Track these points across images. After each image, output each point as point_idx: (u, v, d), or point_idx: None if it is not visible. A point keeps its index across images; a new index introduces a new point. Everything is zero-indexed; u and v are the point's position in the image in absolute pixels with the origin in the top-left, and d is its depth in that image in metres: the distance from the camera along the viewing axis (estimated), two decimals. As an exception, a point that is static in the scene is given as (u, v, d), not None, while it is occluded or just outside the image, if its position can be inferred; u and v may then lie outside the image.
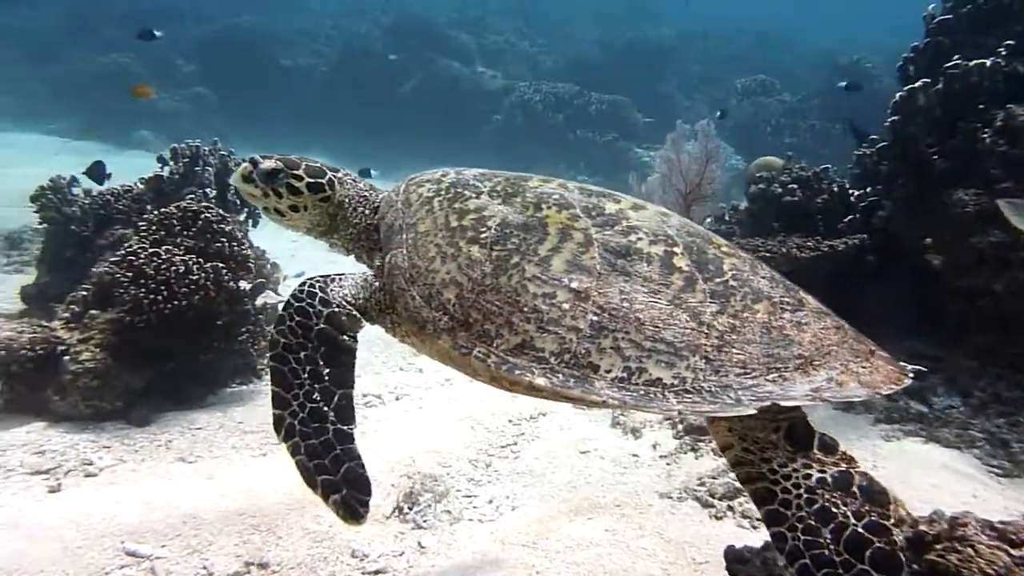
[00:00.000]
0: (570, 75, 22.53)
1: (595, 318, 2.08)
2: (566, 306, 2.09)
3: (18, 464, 3.94)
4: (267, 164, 2.52)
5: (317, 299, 2.30)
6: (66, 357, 4.47)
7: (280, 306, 2.37)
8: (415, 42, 23.93)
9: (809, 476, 2.10)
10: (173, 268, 4.48)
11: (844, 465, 2.12)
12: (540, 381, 2.04)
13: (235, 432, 4.57)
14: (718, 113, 12.67)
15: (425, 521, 3.72)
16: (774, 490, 2.11)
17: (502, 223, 2.23)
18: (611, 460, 4.43)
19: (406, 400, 5.40)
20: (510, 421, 5.02)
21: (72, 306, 4.67)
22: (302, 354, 2.24)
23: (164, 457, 4.21)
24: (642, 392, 2.04)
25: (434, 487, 3.95)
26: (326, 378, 2.21)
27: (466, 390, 5.55)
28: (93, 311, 4.56)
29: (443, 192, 2.39)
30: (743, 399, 2.04)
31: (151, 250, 4.58)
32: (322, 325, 2.26)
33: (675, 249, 2.24)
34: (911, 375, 2.25)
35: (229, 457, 4.27)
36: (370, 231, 2.59)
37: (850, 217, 5.73)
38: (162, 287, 4.44)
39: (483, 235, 2.22)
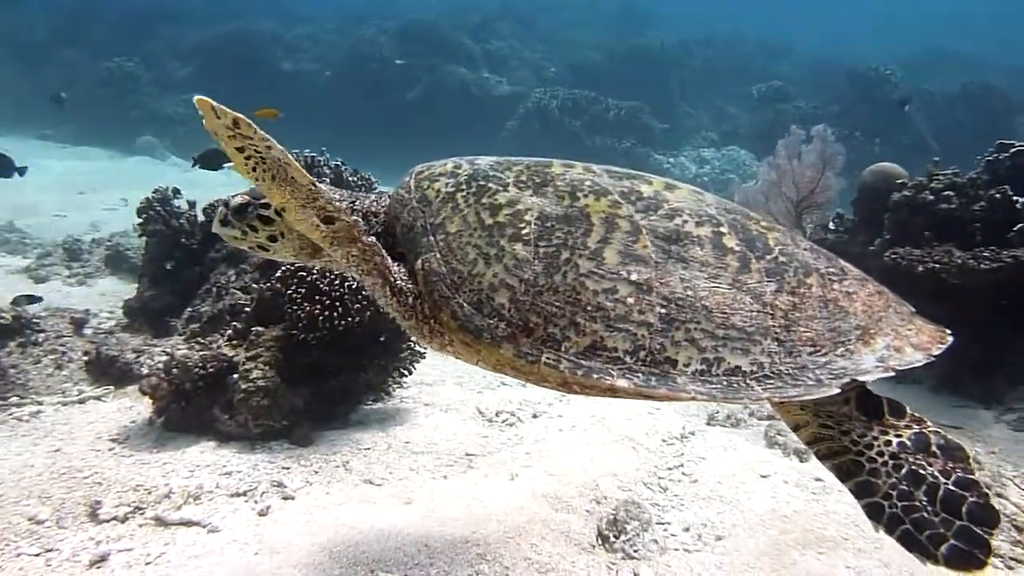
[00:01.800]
0: (575, 82, 22.63)
1: (663, 310, 2.02)
2: (630, 300, 2.02)
3: (214, 486, 3.80)
4: (236, 200, 2.40)
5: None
6: (234, 375, 4.31)
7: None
8: (421, 47, 23.83)
9: (890, 443, 2.11)
10: (346, 284, 4.35)
11: (917, 427, 2.14)
12: (622, 383, 1.98)
13: (405, 453, 4.44)
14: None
15: (636, 551, 3.60)
16: (859, 461, 2.11)
17: (541, 216, 2.13)
18: (795, 485, 4.32)
19: (544, 418, 5.30)
20: (664, 441, 4.93)
21: (233, 323, 4.51)
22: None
23: (348, 479, 4.08)
24: (725, 383, 2.01)
25: (639, 514, 3.82)
26: None
27: (602, 406, 5.49)
28: (257, 328, 4.41)
29: (464, 186, 2.25)
30: (823, 379, 2.04)
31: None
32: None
33: (721, 229, 2.19)
34: (950, 334, 2.28)
35: (412, 479, 4.15)
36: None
37: (1020, 226, 5.41)
38: (336, 303, 4.31)
39: (524, 231, 2.11)
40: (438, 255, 2.14)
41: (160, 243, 6.12)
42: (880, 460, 2.08)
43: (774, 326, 2.06)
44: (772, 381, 2.02)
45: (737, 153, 17.65)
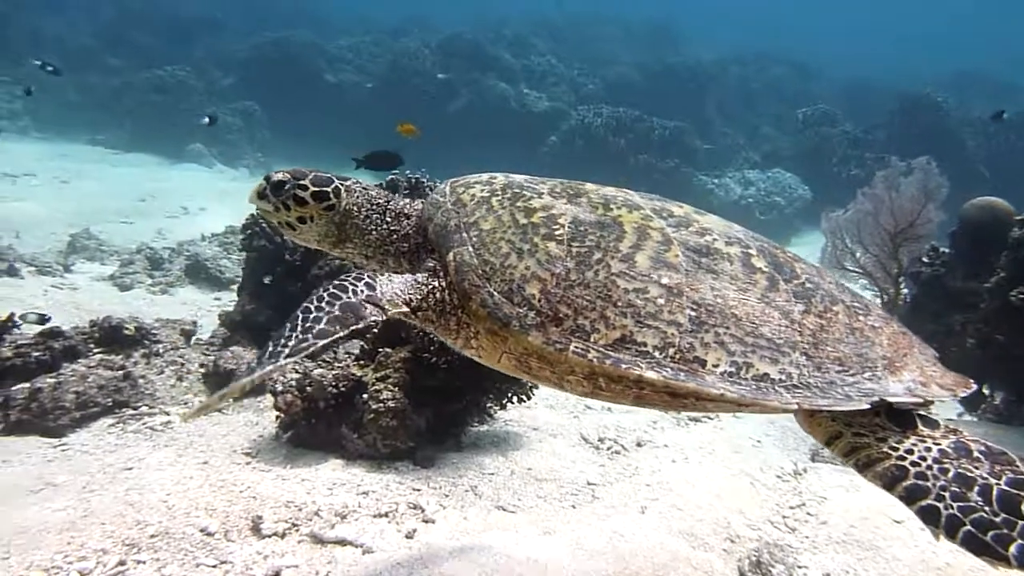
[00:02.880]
0: (610, 98, 22.74)
1: (693, 313, 2.05)
2: (661, 301, 2.05)
3: (356, 505, 3.85)
4: (277, 177, 2.50)
5: (362, 282, 2.19)
6: (363, 395, 4.38)
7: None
8: (462, 62, 24.06)
9: (929, 449, 2.06)
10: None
11: (953, 436, 2.09)
12: (651, 375, 1.99)
13: (529, 480, 4.47)
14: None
15: (784, 597, 3.61)
16: (903, 465, 2.03)
17: (575, 221, 2.19)
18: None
19: (650, 447, 5.29)
20: (779, 477, 4.92)
21: (362, 343, 4.59)
22: (312, 314, 2.09)
23: (480, 504, 4.12)
24: (754, 386, 2.01)
25: (783, 557, 3.77)
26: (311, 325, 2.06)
27: (707, 436, 5.50)
28: (385, 349, 4.48)
29: (499, 192, 2.33)
30: (852, 395, 2.05)
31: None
32: (353, 300, 2.12)
33: (750, 251, 2.24)
34: (973, 383, 2.27)
35: (541, 508, 4.17)
36: (399, 236, 2.54)
37: None
38: (468, 327, 4.37)
39: (557, 232, 2.16)
40: (470, 248, 2.19)
41: (262, 259, 6.23)
42: (924, 464, 2.01)
43: (802, 342, 2.09)
44: (801, 391, 2.03)
45: (783, 176, 17.62)
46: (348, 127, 22.68)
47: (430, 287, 2.27)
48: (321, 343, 2.05)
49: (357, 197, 2.56)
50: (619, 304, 2.04)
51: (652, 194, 2.49)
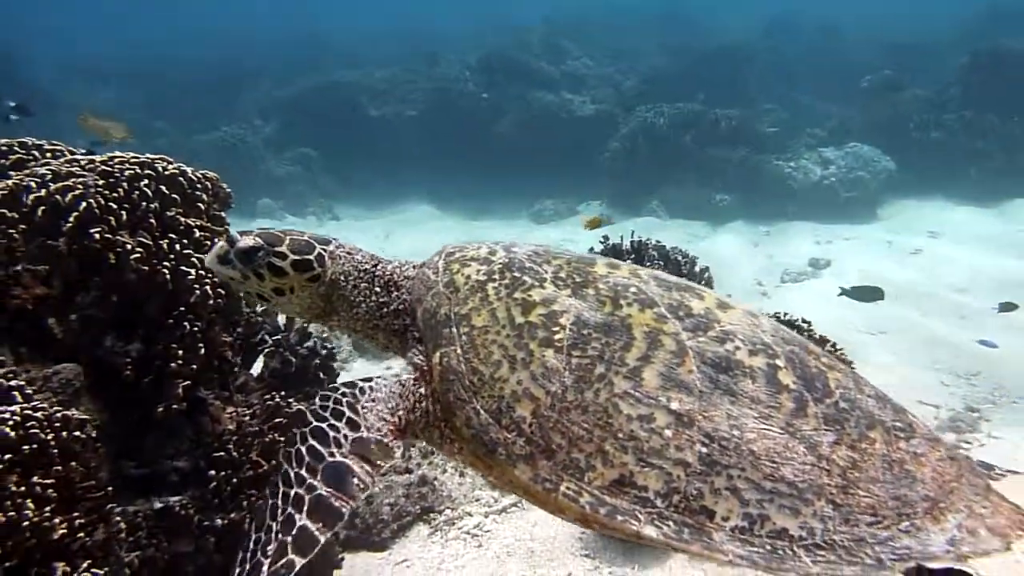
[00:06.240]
0: (651, 92, 22.52)
1: (704, 449, 1.79)
2: (668, 433, 1.80)
3: None
4: (245, 242, 2.23)
5: (344, 419, 1.92)
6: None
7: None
8: (502, 77, 24.04)
9: None
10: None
11: None
12: (649, 531, 1.74)
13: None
14: None
15: None
16: None
17: (578, 322, 1.95)
18: None
19: None
20: None
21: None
22: (293, 492, 1.82)
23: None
24: (769, 548, 1.75)
25: None
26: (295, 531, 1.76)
27: None
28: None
29: (497, 276, 2.08)
30: (883, 558, 1.77)
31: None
32: (338, 459, 1.86)
33: (777, 362, 1.96)
34: None
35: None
36: (388, 312, 2.29)
37: None
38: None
39: (557, 336, 1.92)
40: (459, 351, 1.97)
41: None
42: None
43: (830, 485, 1.81)
44: (823, 553, 1.75)
45: (861, 149, 17.27)
46: (400, 159, 22.82)
47: (416, 396, 2.05)
48: (299, 562, 1.73)
49: (343, 264, 2.32)
50: (620, 435, 1.80)
51: (672, 278, 2.24)
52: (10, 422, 2.30)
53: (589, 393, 1.84)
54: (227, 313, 3.30)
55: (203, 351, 2.99)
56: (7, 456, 2.24)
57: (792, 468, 1.80)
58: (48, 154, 3.35)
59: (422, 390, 2.04)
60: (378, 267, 2.35)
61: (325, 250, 2.30)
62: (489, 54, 25.24)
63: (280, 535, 1.75)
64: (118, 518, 2.58)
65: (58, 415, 2.47)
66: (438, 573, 4.16)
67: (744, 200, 17.30)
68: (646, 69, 26.66)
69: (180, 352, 2.90)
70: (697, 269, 5.98)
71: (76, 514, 2.45)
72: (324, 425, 1.90)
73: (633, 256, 5.76)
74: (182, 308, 2.96)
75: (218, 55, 30.97)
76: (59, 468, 2.41)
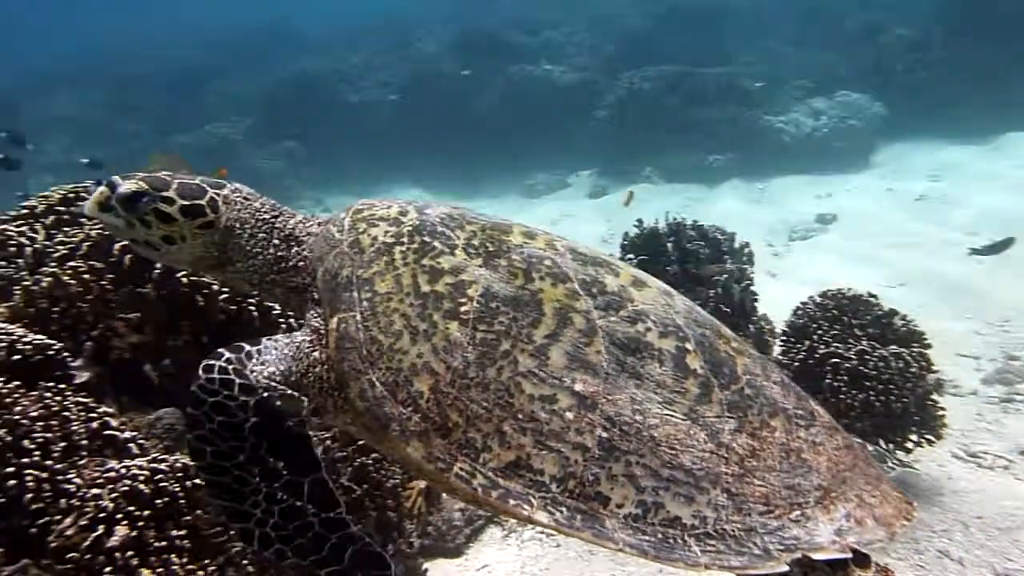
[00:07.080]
0: (633, 54, 22.25)
1: (604, 434, 1.76)
2: (569, 415, 1.76)
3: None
4: (127, 187, 2.02)
5: (236, 387, 1.83)
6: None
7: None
8: (481, 53, 23.70)
9: None
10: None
11: None
12: (541, 516, 1.71)
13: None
14: None
15: None
16: None
17: (486, 294, 1.88)
18: None
19: None
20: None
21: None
22: (241, 457, 1.82)
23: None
24: (660, 536, 1.74)
25: None
26: (284, 471, 1.84)
27: None
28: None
29: (406, 239, 1.97)
30: (771, 548, 1.80)
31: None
32: (253, 419, 1.82)
33: (687, 345, 1.94)
34: (916, 509, 2.06)
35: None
36: (288, 267, 2.16)
37: None
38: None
39: (463, 308, 1.85)
40: (358, 317, 1.87)
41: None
42: None
43: (727, 474, 1.82)
44: (713, 543, 1.77)
45: (850, 97, 17.29)
46: (384, 143, 22.52)
47: (310, 360, 1.95)
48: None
49: (239, 210, 2.15)
50: (520, 416, 1.75)
51: (588, 251, 2.14)
52: (141, 477, 2.28)
53: (492, 370, 1.79)
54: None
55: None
56: (146, 512, 2.22)
57: (691, 456, 1.80)
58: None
59: (316, 354, 1.95)
60: (279, 218, 2.20)
61: (218, 194, 2.13)
62: (464, 29, 24.88)
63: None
64: (246, 561, 2.58)
65: (179, 464, 2.45)
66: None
67: (738, 159, 17.23)
68: (621, 31, 26.34)
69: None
70: (736, 245, 5.97)
71: (207, 561, 2.46)
72: (219, 399, 1.82)
73: (673, 239, 5.73)
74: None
75: (178, 54, 30.20)
76: (187, 518, 2.41)
